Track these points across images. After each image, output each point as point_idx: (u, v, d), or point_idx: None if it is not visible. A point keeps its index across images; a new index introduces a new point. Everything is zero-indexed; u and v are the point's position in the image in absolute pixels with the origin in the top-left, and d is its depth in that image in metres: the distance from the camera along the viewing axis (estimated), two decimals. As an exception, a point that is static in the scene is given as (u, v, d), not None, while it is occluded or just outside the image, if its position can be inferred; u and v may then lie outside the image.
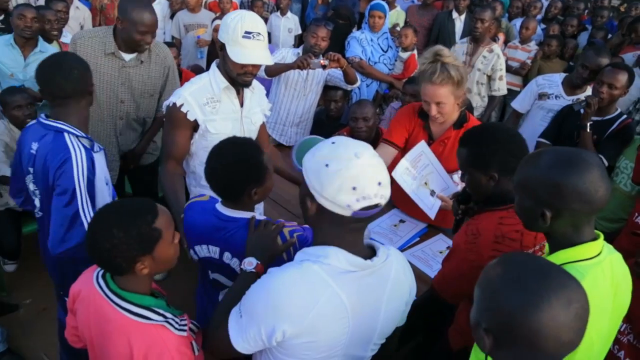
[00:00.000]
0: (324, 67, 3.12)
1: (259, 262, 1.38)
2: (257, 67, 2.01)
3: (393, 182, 2.12)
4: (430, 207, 2.28)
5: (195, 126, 2.05)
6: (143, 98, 2.68)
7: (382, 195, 1.10)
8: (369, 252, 1.19)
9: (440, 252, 2.41)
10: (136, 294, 1.25)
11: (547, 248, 1.32)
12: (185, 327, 1.27)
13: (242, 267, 1.39)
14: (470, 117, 2.33)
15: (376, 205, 1.10)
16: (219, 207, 1.55)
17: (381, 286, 1.19)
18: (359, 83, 3.44)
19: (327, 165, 1.08)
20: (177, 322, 1.26)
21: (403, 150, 2.41)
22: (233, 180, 1.49)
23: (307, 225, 1.51)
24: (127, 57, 2.55)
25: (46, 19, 3.45)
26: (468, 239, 1.57)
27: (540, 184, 1.19)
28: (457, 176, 2.29)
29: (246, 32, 1.87)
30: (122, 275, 1.24)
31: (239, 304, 1.18)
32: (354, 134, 2.91)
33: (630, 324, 2.07)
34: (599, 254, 1.21)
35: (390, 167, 2.43)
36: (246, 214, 1.54)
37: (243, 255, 1.44)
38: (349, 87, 3.42)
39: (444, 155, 2.32)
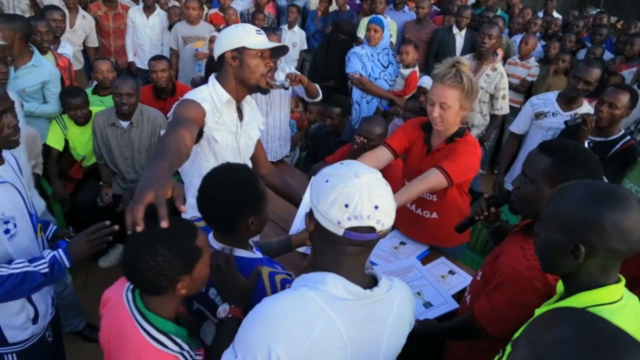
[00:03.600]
0: (285, 88, 3.13)
1: (233, 306, 1.32)
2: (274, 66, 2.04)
3: None
4: (418, 314, 2.07)
5: (201, 128, 1.96)
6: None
7: (379, 220, 1.05)
8: (371, 282, 1.15)
9: (442, 277, 2.35)
10: (160, 317, 1.22)
11: (559, 289, 1.24)
12: None
13: (218, 316, 1.33)
14: (468, 134, 2.26)
15: (370, 229, 1.05)
16: (211, 239, 1.46)
17: (383, 318, 1.13)
18: (320, 97, 3.43)
19: (327, 181, 1.08)
20: (191, 356, 1.23)
21: (402, 159, 2.45)
22: (228, 207, 1.37)
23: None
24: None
25: (36, 30, 3.31)
26: (530, 264, 1.41)
27: (578, 218, 1.09)
28: None
29: (257, 30, 1.98)
30: (160, 294, 1.20)
31: (232, 344, 1.11)
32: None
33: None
34: (621, 298, 1.13)
35: (383, 171, 2.32)
36: (239, 252, 1.44)
37: None
38: (310, 100, 3.46)
39: (432, 164, 2.20)
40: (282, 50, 2.08)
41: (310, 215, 1.12)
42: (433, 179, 2.11)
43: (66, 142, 3.33)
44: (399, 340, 1.20)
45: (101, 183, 3.27)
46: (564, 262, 1.13)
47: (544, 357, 0.79)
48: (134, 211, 1.06)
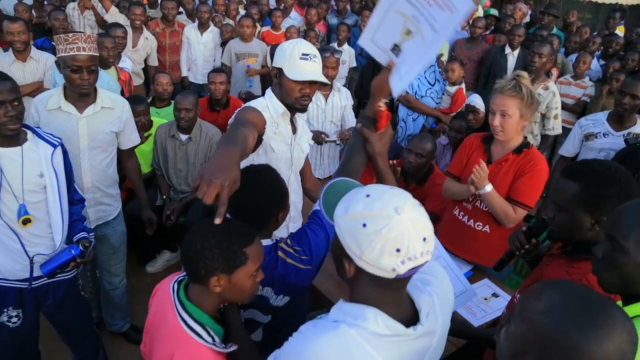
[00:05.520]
0: (337, 144, 3.31)
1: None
2: (314, 90, 2.03)
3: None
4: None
5: (260, 136, 1.96)
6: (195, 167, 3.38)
7: (428, 250, 0.99)
8: (411, 310, 1.09)
9: (485, 299, 2.28)
10: (198, 308, 1.27)
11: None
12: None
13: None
14: (532, 146, 2.31)
15: (423, 264, 1.00)
16: None
17: (423, 351, 1.09)
18: None
19: (364, 225, 0.97)
20: (223, 349, 1.27)
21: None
22: (265, 206, 1.49)
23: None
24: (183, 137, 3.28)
25: (104, 46, 3.57)
26: None
27: None
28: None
29: (303, 54, 1.95)
30: (197, 283, 1.27)
31: None
32: (404, 166, 2.88)
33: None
34: None
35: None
36: (267, 241, 1.54)
37: (274, 284, 1.44)
38: None
39: (498, 176, 2.27)
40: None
41: (348, 260, 1.03)
42: (516, 217, 2.25)
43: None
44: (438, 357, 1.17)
45: (164, 198, 3.41)
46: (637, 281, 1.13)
47: (539, 324, 0.86)
48: (205, 197, 1.07)
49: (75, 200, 2.17)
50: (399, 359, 1.03)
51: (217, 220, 1.12)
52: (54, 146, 2.02)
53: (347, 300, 1.10)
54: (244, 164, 2.07)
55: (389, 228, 0.95)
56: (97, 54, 2.27)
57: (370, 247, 0.96)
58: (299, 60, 1.94)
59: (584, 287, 0.92)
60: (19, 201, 1.92)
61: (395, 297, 1.06)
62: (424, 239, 0.98)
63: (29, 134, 1.99)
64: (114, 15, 5.15)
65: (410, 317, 1.07)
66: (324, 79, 2.04)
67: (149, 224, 2.95)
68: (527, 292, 0.93)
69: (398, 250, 0.95)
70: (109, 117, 2.44)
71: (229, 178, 1.11)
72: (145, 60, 5.12)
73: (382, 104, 1.46)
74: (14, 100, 1.85)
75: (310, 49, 1.99)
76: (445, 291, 1.19)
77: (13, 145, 1.92)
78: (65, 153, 2.09)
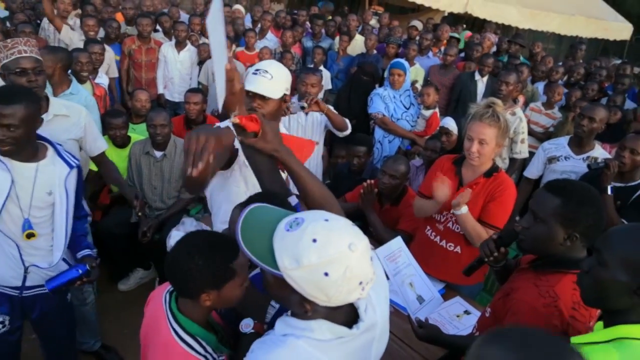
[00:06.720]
0: (303, 108, 3.12)
1: (256, 322, 1.37)
2: (261, 106, 2.00)
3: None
4: (414, 311, 2.20)
5: (234, 153, 1.99)
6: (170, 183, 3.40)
7: (372, 264, 1.06)
8: (350, 308, 1.12)
9: (457, 316, 2.34)
10: (189, 320, 1.31)
11: (597, 325, 1.27)
12: None
13: (240, 329, 1.37)
14: (501, 170, 2.40)
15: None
16: None
17: (370, 340, 1.15)
18: (348, 131, 3.38)
19: (326, 274, 0.98)
20: (214, 359, 1.30)
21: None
22: None
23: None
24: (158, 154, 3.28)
25: (78, 60, 3.56)
26: (546, 301, 1.45)
27: None
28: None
29: (256, 69, 2.01)
30: (187, 298, 1.31)
31: None
32: (379, 186, 2.95)
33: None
34: None
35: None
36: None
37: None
38: (339, 134, 3.40)
39: (469, 199, 2.33)
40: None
41: (309, 303, 1.04)
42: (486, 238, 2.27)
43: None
44: (384, 349, 1.23)
45: (139, 215, 3.31)
46: (620, 299, 1.17)
47: None
48: (201, 162, 1.13)
49: (81, 216, 2.15)
50: (347, 356, 1.09)
51: (195, 172, 1.15)
52: (71, 167, 2.01)
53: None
54: (221, 182, 2.13)
55: (351, 269, 0.99)
56: (40, 58, 2.24)
57: (338, 291, 1.00)
58: (251, 74, 2.02)
59: (541, 335, 0.87)
60: (24, 215, 1.90)
61: (340, 308, 1.09)
62: (371, 258, 1.05)
63: (50, 151, 1.95)
64: (67, 34, 5.01)
65: (350, 315, 1.12)
66: (263, 92, 1.99)
67: (136, 199, 2.84)
68: (483, 339, 0.90)
69: (360, 283, 1.02)
70: (65, 124, 2.40)
71: (214, 135, 1.19)
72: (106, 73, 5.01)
73: (233, 118, 1.35)
74: (18, 127, 1.78)
75: (265, 66, 2.02)
76: (377, 279, 1.20)
77: (29, 160, 1.89)
78: (80, 172, 2.08)
